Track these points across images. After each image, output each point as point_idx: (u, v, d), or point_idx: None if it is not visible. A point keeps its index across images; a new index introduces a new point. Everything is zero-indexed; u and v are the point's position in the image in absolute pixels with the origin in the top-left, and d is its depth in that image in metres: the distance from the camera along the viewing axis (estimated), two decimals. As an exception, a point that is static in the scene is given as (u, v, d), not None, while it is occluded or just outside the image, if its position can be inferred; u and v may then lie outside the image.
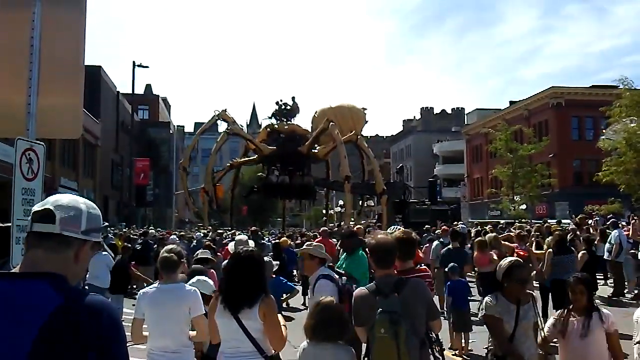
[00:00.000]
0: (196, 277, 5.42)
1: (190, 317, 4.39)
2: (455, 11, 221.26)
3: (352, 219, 26.65)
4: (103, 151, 38.00)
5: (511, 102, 52.69)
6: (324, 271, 5.44)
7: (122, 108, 42.70)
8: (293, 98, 31.95)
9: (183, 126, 76.78)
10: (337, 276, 5.51)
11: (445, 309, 9.37)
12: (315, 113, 31.83)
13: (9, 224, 3.84)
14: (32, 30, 4.06)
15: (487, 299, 4.40)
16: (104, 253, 9.78)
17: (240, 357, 3.83)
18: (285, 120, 31.46)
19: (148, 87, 62.18)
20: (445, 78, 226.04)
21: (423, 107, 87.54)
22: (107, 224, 2.01)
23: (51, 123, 4.30)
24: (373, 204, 34.98)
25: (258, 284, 3.89)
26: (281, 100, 31.79)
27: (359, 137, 29.59)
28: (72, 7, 4.40)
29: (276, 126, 31.21)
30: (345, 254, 7.31)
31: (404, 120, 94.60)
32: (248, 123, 33.74)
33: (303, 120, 32.24)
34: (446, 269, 9.58)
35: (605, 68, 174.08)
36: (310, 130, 31.49)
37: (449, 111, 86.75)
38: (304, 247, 5.74)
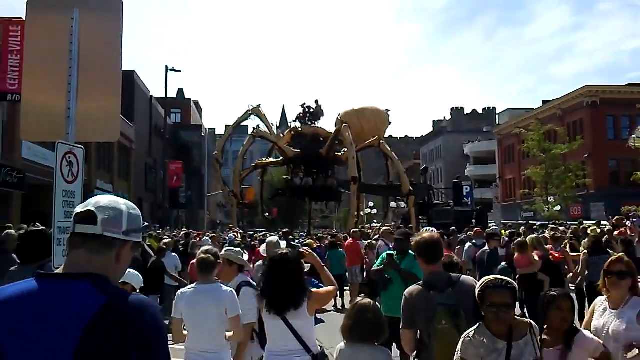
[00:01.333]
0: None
1: (227, 317, 4.45)
2: (484, 10, 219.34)
3: (371, 223, 26.60)
4: (137, 154, 38.63)
5: (544, 102, 51.86)
6: (244, 278, 5.18)
7: (155, 112, 43.36)
8: (317, 101, 32.29)
9: (214, 129, 77.74)
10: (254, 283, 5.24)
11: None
12: (339, 115, 31.93)
13: (43, 228, 3.92)
14: (71, 37, 4.15)
15: (465, 333, 3.27)
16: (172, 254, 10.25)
17: (288, 355, 3.97)
18: (309, 123, 31.77)
19: (180, 91, 63.03)
20: (476, 78, 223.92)
21: (453, 108, 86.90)
22: (147, 224, 2.04)
23: (90, 127, 4.38)
24: (404, 205, 34.90)
25: (299, 285, 3.99)
26: (305, 104, 32.14)
27: (381, 141, 29.42)
28: (110, 13, 4.48)
29: (300, 129, 31.46)
30: (397, 254, 7.25)
31: (433, 121, 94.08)
32: (278, 125, 33.76)
33: (330, 123, 32.65)
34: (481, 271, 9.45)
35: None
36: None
37: (480, 111, 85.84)
38: (223, 251, 5.33)
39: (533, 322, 3.32)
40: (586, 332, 3.67)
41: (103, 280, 1.71)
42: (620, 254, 4.33)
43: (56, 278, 1.73)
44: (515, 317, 3.28)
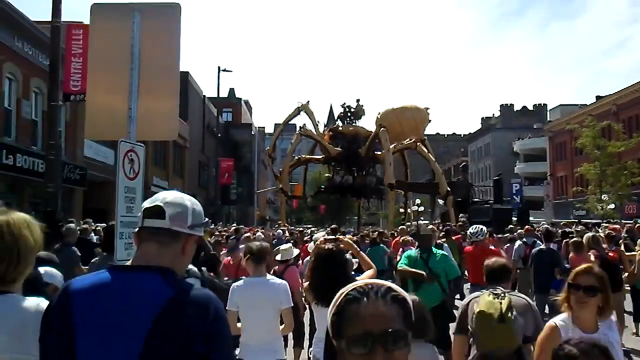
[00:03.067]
0: (43, 268, 4.67)
1: (281, 308, 4.59)
2: (536, 3, 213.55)
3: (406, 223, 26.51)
4: (191, 152, 39.55)
5: (598, 97, 50.28)
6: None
7: (207, 111, 44.24)
8: (358, 100, 32.73)
9: (264, 127, 78.25)
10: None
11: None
12: (379, 114, 32.14)
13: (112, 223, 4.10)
14: (132, 40, 4.33)
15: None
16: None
17: None
18: (350, 122, 32.39)
19: (231, 90, 63.80)
20: (526, 73, 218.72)
21: (502, 104, 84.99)
22: (208, 219, 2.12)
23: (150, 126, 4.53)
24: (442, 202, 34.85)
25: (343, 276, 4.10)
26: (345, 103, 32.76)
27: (418, 143, 29.34)
28: (169, 18, 4.62)
29: (340, 128, 32.05)
30: (421, 252, 7.14)
31: (482, 118, 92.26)
32: (325, 123, 34.09)
33: (373, 120, 32.97)
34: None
35: None
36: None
37: (531, 107, 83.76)
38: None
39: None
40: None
41: (171, 273, 1.78)
42: (590, 264, 3.51)
43: (128, 270, 1.82)
44: None
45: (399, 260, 7.98)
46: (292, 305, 4.69)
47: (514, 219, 23.71)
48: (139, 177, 4.41)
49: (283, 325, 4.69)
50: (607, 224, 16.72)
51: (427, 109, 32.45)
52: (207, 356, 1.68)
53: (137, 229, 1.89)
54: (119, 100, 4.37)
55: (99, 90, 4.61)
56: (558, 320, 3.34)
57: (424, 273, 6.75)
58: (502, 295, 3.65)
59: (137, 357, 1.63)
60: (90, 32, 4.82)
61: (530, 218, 26.44)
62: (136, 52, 4.34)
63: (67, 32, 16.12)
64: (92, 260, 6.32)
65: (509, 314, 3.51)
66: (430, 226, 10.88)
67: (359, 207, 40.16)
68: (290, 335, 7.80)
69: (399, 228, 16.82)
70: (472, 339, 3.77)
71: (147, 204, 1.89)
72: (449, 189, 28.85)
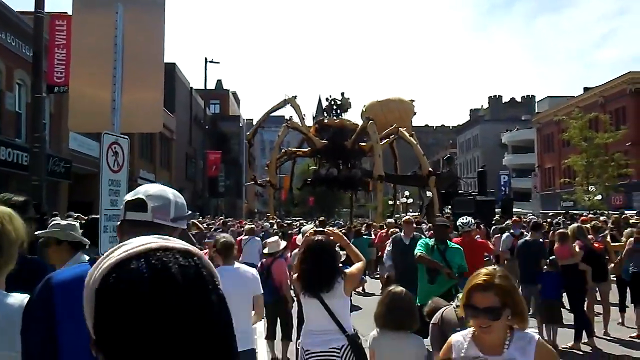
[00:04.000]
0: None
1: (252, 295, 4.67)
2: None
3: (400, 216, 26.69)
4: (178, 144, 39.38)
5: (585, 89, 50.58)
6: (81, 259, 4.11)
7: (195, 103, 44.02)
8: (342, 94, 33.08)
9: (252, 119, 77.82)
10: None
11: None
12: (364, 107, 32.55)
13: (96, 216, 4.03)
14: (116, 31, 4.27)
15: None
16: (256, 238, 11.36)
17: (325, 334, 4.14)
18: (336, 115, 32.71)
19: (219, 82, 63.57)
20: (514, 65, 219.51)
21: (491, 96, 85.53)
22: (191, 212, 2.10)
23: (134, 118, 4.49)
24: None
25: (331, 267, 4.14)
26: (331, 96, 33.15)
27: (399, 128, 29.59)
28: (152, 8, 4.58)
29: (326, 121, 32.30)
30: (437, 243, 7.06)
31: (471, 110, 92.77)
32: (314, 115, 34.02)
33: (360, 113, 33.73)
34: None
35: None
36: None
37: (519, 99, 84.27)
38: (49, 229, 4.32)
39: None
40: None
41: None
42: (490, 267, 2.59)
43: None
44: None
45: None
46: (262, 293, 4.79)
47: (499, 210, 23.77)
48: (124, 170, 4.36)
49: (253, 314, 4.74)
50: (585, 216, 16.64)
51: (412, 100, 32.87)
52: None
53: (119, 222, 1.88)
54: (103, 91, 4.31)
55: (83, 81, 4.54)
56: (458, 336, 2.67)
57: (444, 267, 6.72)
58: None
59: None
60: (74, 22, 4.75)
61: (518, 209, 26.58)
62: (120, 43, 4.27)
63: (51, 23, 15.92)
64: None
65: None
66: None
67: (351, 199, 40.34)
68: (279, 328, 7.83)
69: (387, 221, 16.88)
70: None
71: (129, 196, 1.87)
72: (431, 169, 29.34)
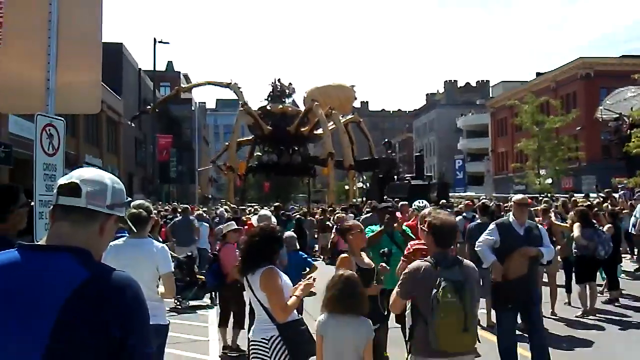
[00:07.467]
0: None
1: (159, 274, 4.45)
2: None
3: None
4: (126, 128, 38.43)
5: (538, 74, 51.74)
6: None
7: (144, 85, 43.03)
8: (279, 79, 34.38)
9: (204, 102, 77.01)
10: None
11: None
12: (305, 93, 33.06)
13: (10, 184, 3.83)
14: (50, 7, 4.06)
15: None
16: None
17: (259, 323, 4.10)
18: (280, 101, 33.32)
19: (169, 64, 62.24)
20: (470, 50, 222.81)
21: (447, 81, 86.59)
22: (130, 199, 2.00)
23: (70, 99, 4.34)
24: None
25: (262, 254, 4.06)
26: (275, 80, 34.08)
27: (332, 110, 30.12)
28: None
29: (268, 107, 32.75)
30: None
31: (427, 94, 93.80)
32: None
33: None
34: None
35: (637, 37, 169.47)
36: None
37: (474, 84, 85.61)
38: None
39: None
40: None
41: (86, 254, 1.68)
42: None
43: (39, 250, 1.70)
44: None
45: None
46: (172, 271, 4.61)
47: (435, 195, 23.71)
48: (59, 153, 4.20)
49: (163, 290, 4.53)
50: (525, 196, 17.01)
51: (353, 86, 33.72)
52: (123, 341, 1.59)
53: (51, 207, 1.78)
54: (36, 70, 4.12)
55: (14, 60, 4.32)
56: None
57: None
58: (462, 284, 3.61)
59: (47, 338, 1.54)
60: (5, -3, 4.47)
61: (471, 193, 26.89)
62: (54, 20, 4.08)
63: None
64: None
65: (472, 321, 3.60)
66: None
67: (308, 185, 40.42)
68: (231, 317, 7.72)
69: (341, 207, 16.91)
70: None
71: (62, 180, 1.77)
72: (352, 163, 30.19)
